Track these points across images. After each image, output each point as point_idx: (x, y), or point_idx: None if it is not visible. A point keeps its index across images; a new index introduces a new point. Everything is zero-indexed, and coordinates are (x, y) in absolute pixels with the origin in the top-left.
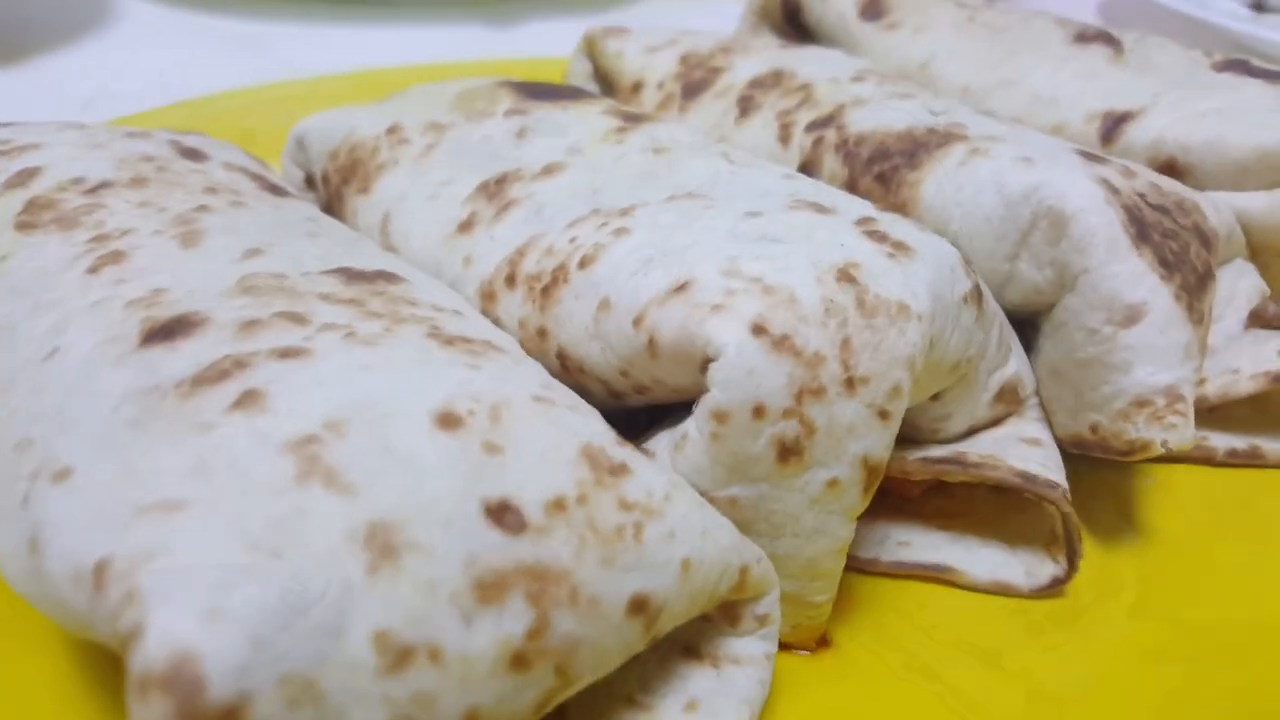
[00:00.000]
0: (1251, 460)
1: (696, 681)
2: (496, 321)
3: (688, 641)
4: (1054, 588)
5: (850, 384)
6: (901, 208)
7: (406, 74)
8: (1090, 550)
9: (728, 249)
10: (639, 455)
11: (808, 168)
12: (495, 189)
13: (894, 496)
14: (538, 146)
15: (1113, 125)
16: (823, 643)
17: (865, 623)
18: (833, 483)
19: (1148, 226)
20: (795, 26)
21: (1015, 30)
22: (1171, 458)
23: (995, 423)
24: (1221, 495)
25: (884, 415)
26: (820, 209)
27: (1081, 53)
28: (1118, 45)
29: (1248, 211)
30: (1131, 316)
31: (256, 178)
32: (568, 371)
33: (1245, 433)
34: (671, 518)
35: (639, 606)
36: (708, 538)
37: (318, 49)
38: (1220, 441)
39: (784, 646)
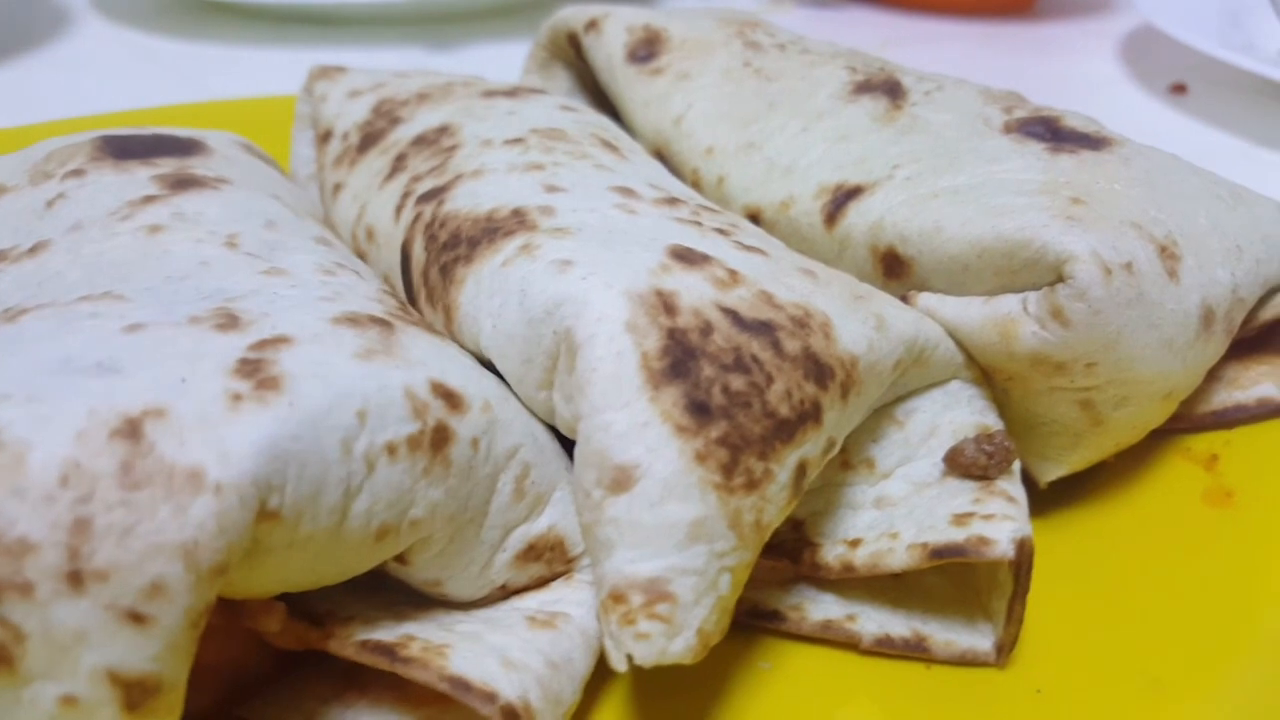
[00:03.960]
0: (911, 652)
1: None
2: None
3: None
4: None
5: (78, 579)
6: (448, 311)
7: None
8: None
9: (20, 382)
10: None
11: (406, 248)
12: None
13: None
14: (57, 219)
15: (841, 202)
16: None
17: None
18: (69, 700)
19: (697, 359)
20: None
21: (789, 78)
22: (800, 636)
23: (541, 584)
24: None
25: (138, 619)
26: (228, 324)
27: (848, 108)
28: (900, 97)
29: (960, 324)
30: (620, 481)
31: None
32: None
33: (928, 613)
34: None
35: None
36: None
37: (262, 71)
38: (872, 624)
39: None
